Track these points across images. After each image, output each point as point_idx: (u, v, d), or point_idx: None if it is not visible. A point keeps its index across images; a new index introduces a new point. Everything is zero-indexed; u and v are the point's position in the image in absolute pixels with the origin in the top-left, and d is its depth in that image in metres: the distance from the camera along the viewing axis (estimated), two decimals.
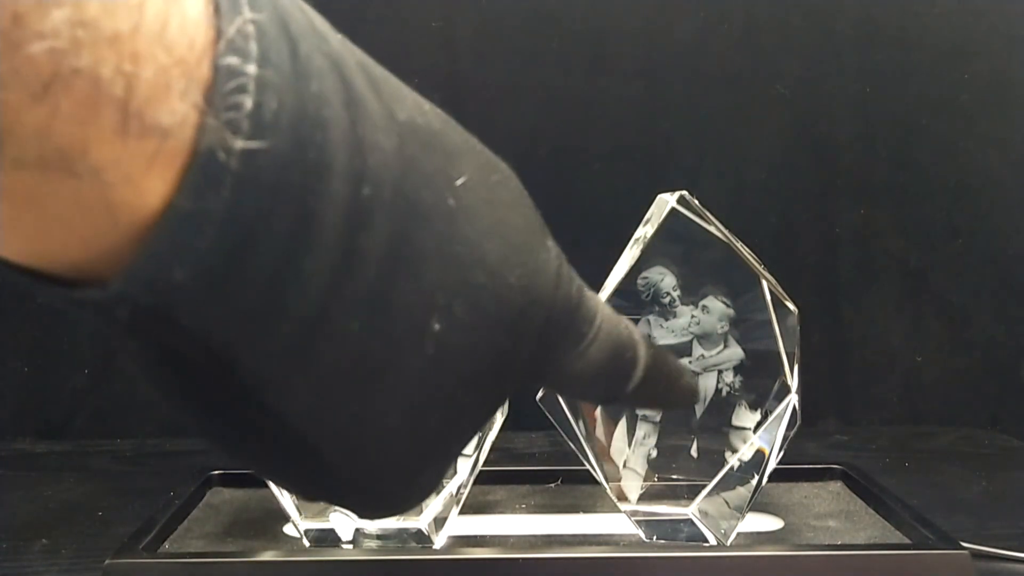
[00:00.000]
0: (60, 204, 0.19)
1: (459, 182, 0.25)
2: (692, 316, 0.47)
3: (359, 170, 0.22)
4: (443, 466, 0.29)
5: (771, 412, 0.47)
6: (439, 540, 0.48)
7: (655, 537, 0.49)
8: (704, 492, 0.48)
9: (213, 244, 0.20)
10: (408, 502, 0.29)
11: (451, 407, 0.26)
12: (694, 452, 0.48)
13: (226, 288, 0.21)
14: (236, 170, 0.20)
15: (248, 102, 0.20)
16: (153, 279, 0.20)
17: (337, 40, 0.23)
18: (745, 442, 0.47)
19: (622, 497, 0.49)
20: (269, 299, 0.21)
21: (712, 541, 0.48)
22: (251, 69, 0.20)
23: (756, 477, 0.47)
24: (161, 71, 0.19)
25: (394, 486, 0.27)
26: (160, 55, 0.19)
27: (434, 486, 0.29)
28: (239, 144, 0.20)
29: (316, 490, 0.28)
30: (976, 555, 0.48)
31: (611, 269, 0.48)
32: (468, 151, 0.26)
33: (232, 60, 0.20)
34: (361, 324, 0.23)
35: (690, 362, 0.47)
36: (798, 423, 0.48)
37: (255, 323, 0.21)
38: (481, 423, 0.29)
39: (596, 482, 0.50)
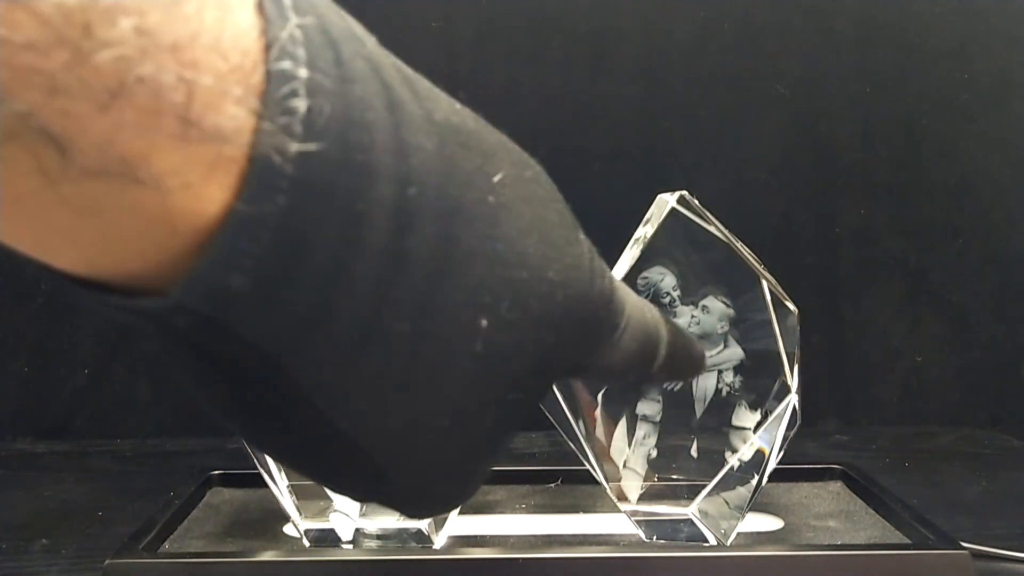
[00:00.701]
0: (121, 213, 0.19)
1: (496, 179, 0.25)
2: (692, 316, 0.47)
3: (404, 172, 0.22)
4: (490, 463, 0.29)
5: (771, 412, 0.47)
6: (439, 540, 0.48)
7: (655, 537, 0.49)
8: (704, 492, 0.48)
9: (269, 250, 0.20)
10: (457, 500, 0.29)
11: (500, 405, 0.26)
12: (694, 452, 0.48)
13: (279, 294, 0.21)
14: (291, 174, 0.20)
15: (302, 106, 0.20)
16: (212, 287, 0.20)
17: (373, 43, 0.23)
18: (745, 442, 0.47)
19: (622, 497, 0.49)
20: (321, 303, 0.21)
21: (712, 541, 0.48)
22: (303, 73, 0.20)
23: (756, 477, 0.47)
24: (219, 78, 0.19)
25: (445, 486, 0.27)
26: (217, 62, 0.19)
27: (480, 483, 0.29)
28: (294, 147, 0.20)
29: (369, 493, 0.28)
30: (976, 555, 0.48)
31: (611, 269, 0.48)
32: (502, 148, 0.26)
33: (285, 65, 0.20)
34: (411, 326, 0.23)
35: None
36: (798, 423, 0.48)
37: (307, 328, 0.21)
38: (524, 418, 0.29)
39: (596, 482, 0.50)
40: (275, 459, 0.27)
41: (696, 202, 0.47)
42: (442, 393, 0.24)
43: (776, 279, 0.47)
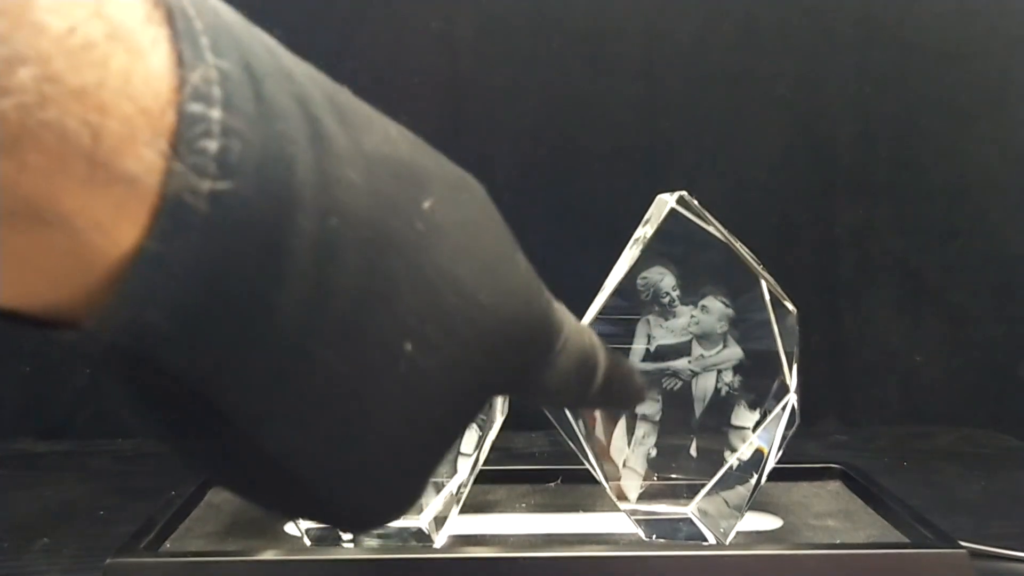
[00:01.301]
0: (32, 251, 0.20)
1: (426, 206, 0.25)
2: (691, 316, 0.47)
3: (325, 204, 0.22)
4: (424, 480, 0.29)
5: (770, 412, 0.47)
6: (439, 539, 0.48)
7: (654, 536, 0.49)
8: (703, 491, 0.48)
9: (186, 285, 0.20)
10: (391, 517, 0.30)
11: (429, 427, 0.27)
12: (693, 451, 0.48)
13: (200, 326, 0.21)
14: (204, 212, 0.20)
15: (213, 146, 0.20)
16: (127, 322, 0.20)
17: (304, 75, 0.24)
18: (744, 441, 0.47)
19: (622, 496, 0.49)
20: (243, 335, 0.22)
21: (711, 540, 0.48)
22: (215, 114, 0.20)
23: (755, 476, 0.47)
24: (126, 121, 0.20)
25: (377, 504, 0.28)
26: (125, 106, 0.20)
27: (417, 499, 0.30)
28: (206, 186, 0.20)
29: (302, 512, 0.29)
30: (975, 554, 0.48)
31: (611, 269, 0.48)
32: (436, 173, 0.26)
33: (195, 107, 0.20)
34: (336, 354, 0.23)
35: (689, 362, 0.47)
36: (797, 423, 0.48)
37: (231, 359, 0.22)
38: (457, 437, 0.29)
39: (596, 481, 0.50)
40: (211, 480, 0.27)
41: (695, 202, 0.47)
42: (368, 415, 0.25)
43: (775, 279, 0.48)
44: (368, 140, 0.24)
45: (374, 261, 0.24)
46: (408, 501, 0.29)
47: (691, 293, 0.47)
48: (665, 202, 0.47)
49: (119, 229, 0.20)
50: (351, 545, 0.48)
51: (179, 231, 0.20)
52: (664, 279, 0.47)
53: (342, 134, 0.23)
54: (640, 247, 0.47)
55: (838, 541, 0.50)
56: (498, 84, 0.78)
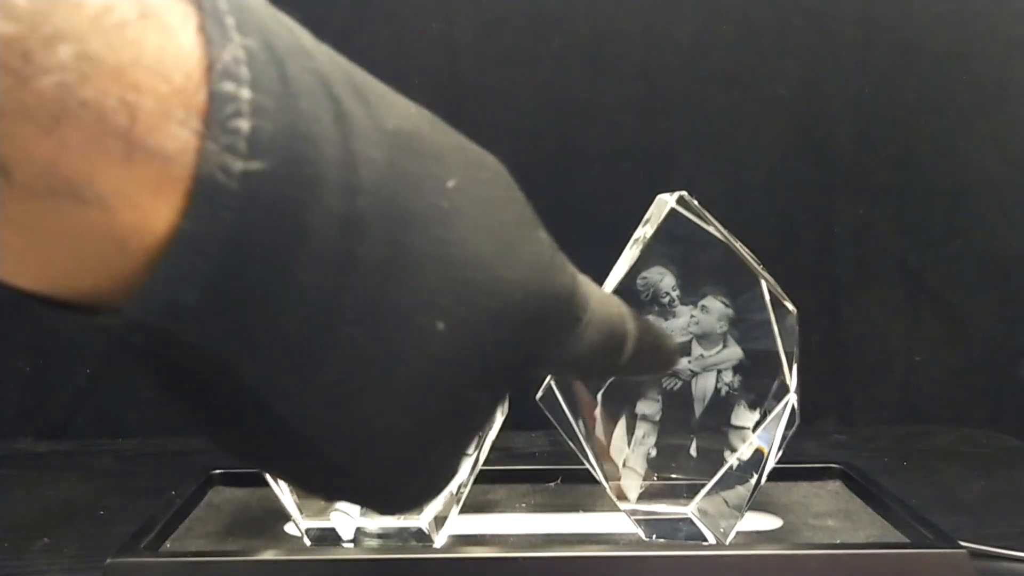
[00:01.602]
0: (70, 232, 0.20)
1: (450, 184, 0.25)
2: (691, 316, 0.47)
3: (352, 182, 0.23)
4: (454, 462, 0.30)
5: (770, 411, 0.47)
6: (439, 539, 0.48)
7: (654, 536, 0.49)
8: (703, 491, 0.48)
9: (218, 264, 0.21)
10: (423, 498, 0.30)
11: (458, 404, 0.27)
12: (693, 451, 0.48)
13: (231, 305, 0.21)
14: (237, 191, 0.20)
15: (245, 126, 0.20)
16: (162, 301, 0.21)
17: (323, 54, 0.24)
18: (744, 441, 0.47)
19: (622, 496, 0.49)
20: (272, 313, 0.22)
21: (711, 540, 0.48)
22: (245, 93, 0.21)
23: (755, 476, 0.47)
24: (161, 100, 0.20)
25: (407, 485, 0.28)
26: (160, 85, 0.20)
27: (447, 481, 0.30)
28: (239, 166, 0.20)
29: (331, 491, 0.29)
30: (975, 554, 0.48)
31: (611, 269, 0.48)
32: (457, 152, 0.27)
33: (227, 86, 0.20)
34: (363, 331, 0.23)
35: (689, 362, 0.48)
36: (797, 422, 0.48)
37: (260, 337, 0.22)
38: (489, 415, 0.30)
39: (596, 481, 0.50)
40: (239, 461, 0.27)
41: (695, 202, 0.47)
42: (398, 394, 0.25)
43: (775, 279, 0.48)
44: (388, 119, 0.25)
45: (398, 238, 0.24)
46: (440, 483, 0.30)
47: (691, 293, 0.47)
48: (665, 202, 0.47)
49: (154, 208, 0.20)
50: (351, 545, 0.48)
51: (213, 211, 0.20)
52: (664, 279, 0.47)
53: (363, 113, 0.24)
54: (640, 247, 0.47)
55: (838, 541, 0.50)
56: (498, 84, 0.78)
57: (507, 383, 0.29)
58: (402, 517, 0.48)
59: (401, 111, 0.25)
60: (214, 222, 0.20)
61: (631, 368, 0.33)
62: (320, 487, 0.29)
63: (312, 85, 0.22)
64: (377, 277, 0.23)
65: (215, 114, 0.20)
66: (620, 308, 0.32)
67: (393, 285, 0.24)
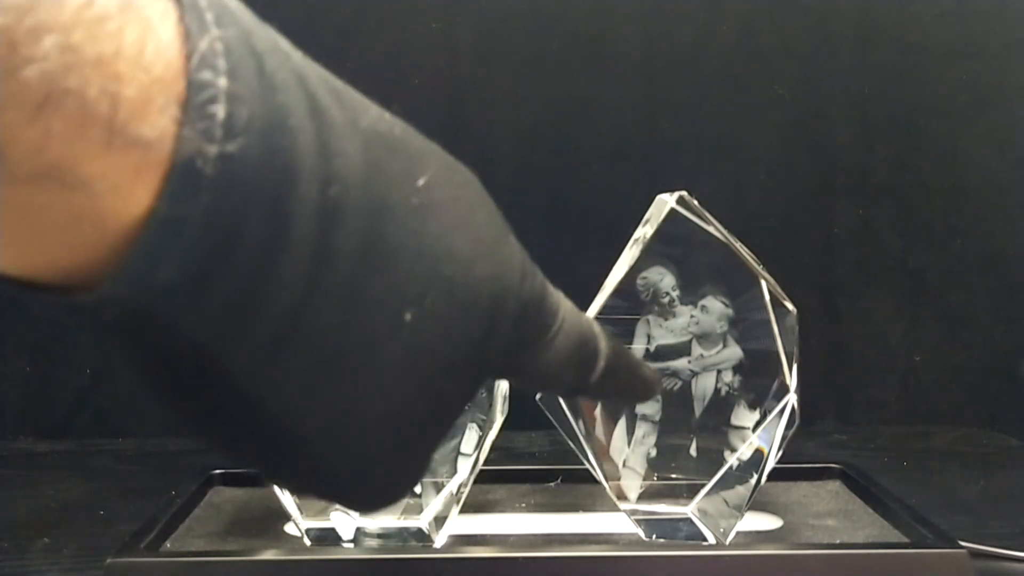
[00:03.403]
0: (52, 215, 0.21)
1: (421, 182, 0.26)
2: (691, 316, 0.47)
3: (326, 172, 0.23)
4: (427, 454, 0.30)
5: (770, 411, 0.47)
6: (439, 539, 0.48)
7: (654, 536, 0.49)
8: (703, 491, 0.48)
9: (193, 246, 0.21)
10: (396, 492, 0.30)
11: (430, 395, 0.27)
12: (693, 451, 0.48)
13: (208, 288, 0.22)
14: (212, 175, 0.21)
15: (220, 111, 0.21)
16: (138, 281, 0.21)
17: (299, 56, 0.25)
18: (744, 441, 0.47)
19: (622, 496, 0.49)
20: (249, 297, 0.23)
21: (711, 540, 0.48)
22: (222, 82, 0.21)
23: (755, 476, 0.47)
24: (141, 89, 0.20)
25: (380, 475, 0.28)
26: (140, 75, 0.20)
27: (420, 475, 0.31)
28: (213, 150, 0.21)
29: (307, 484, 0.30)
30: (974, 554, 0.48)
31: (611, 269, 0.48)
32: (430, 154, 0.27)
33: (204, 75, 0.21)
34: (338, 318, 0.24)
35: (689, 362, 0.48)
36: (797, 422, 0.48)
37: (237, 321, 0.23)
38: (459, 411, 0.30)
39: (596, 481, 0.50)
40: (218, 452, 0.28)
41: (695, 202, 0.47)
42: (371, 381, 0.26)
43: (775, 279, 0.48)
44: (362, 118, 0.25)
45: (374, 230, 0.24)
46: (413, 476, 0.30)
47: (691, 293, 0.47)
48: (665, 202, 0.47)
49: (134, 192, 0.21)
50: (351, 545, 0.48)
51: (189, 192, 0.21)
52: (664, 279, 0.47)
53: (338, 110, 0.24)
54: (640, 247, 0.47)
55: (838, 541, 0.50)
56: (498, 85, 0.78)
57: (478, 379, 0.29)
58: (402, 517, 0.48)
59: (374, 113, 0.26)
60: (189, 203, 0.21)
61: (603, 389, 0.34)
62: (296, 481, 0.30)
63: (288, 81, 0.23)
64: (353, 266, 0.24)
65: (192, 101, 0.21)
66: (592, 325, 0.33)
67: (369, 275, 0.24)
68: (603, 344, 0.33)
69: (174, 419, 0.27)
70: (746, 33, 0.79)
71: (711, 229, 0.47)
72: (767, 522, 0.53)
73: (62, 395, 0.78)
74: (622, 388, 0.35)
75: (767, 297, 0.47)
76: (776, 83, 0.79)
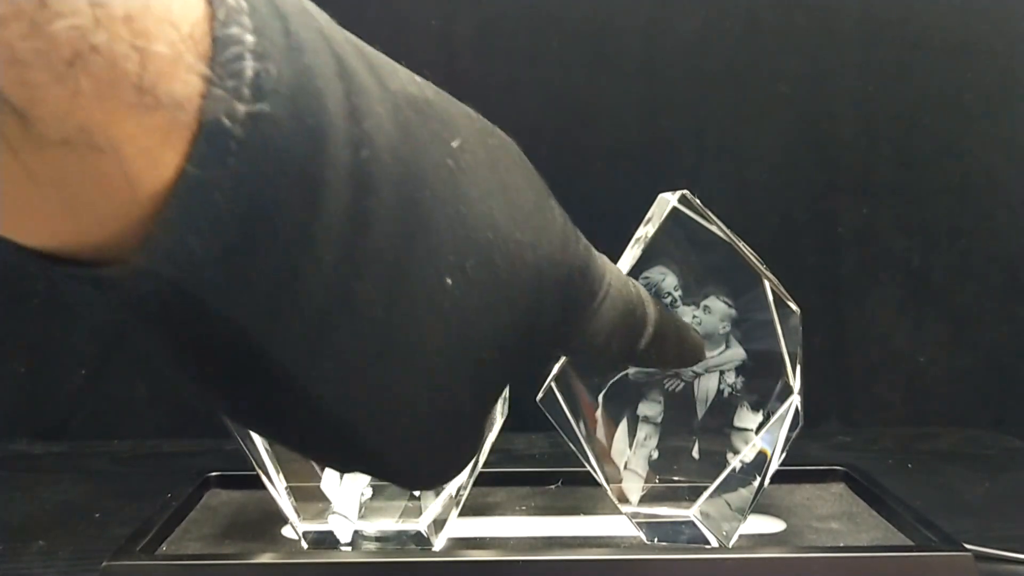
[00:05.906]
0: (82, 181, 0.20)
1: (455, 144, 0.25)
2: (693, 316, 0.47)
3: (356, 135, 0.22)
4: (476, 432, 0.29)
5: (773, 413, 0.47)
6: (438, 542, 0.48)
7: (656, 539, 0.49)
8: (706, 494, 0.47)
9: (225, 210, 0.20)
10: (447, 471, 0.29)
11: (476, 369, 0.26)
12: (695, 453, 0.48)
13: (240, 256, 0.21)
14: (241, 136, 0.20)
15: (249, 69, 0.20)
16: (171, 250, 0.20)
17: (326, 19, 0.24)
18: (747, 443, 0.47)
19: (623, 499, 0.49)
20: (282, 266, 0.21)
21: (714, 543, 0.48)
22: (249, 39, 0.21)
23: (758, 479, 0.47)
24: (170, 46, 0.20)
25: (430, 454, 0.27)
26: (168, 31, 0.20)
27: (471, 454, 0.29)
28: (243, 110, 0.20)
29: (354, 463, 0.28)
30: (979, 557, 0.48)
31: None
32: (463, 117, 0.26)
33: (232, 30, 0.20)
34: (376, 288, 0.23)
35: None
36: (800, 424, 0.47)
37: (273, 294, 0.22)
38: (504, 383, 0.29)
39: (597, 484, 0.49)
40: (257, 432, 0.27)
41: (697, 201, 0.47)
42: (415, 356, 0.24)
43: (778, 279, 0.47)
44: (393, 81, 0.24)
45: (409, 195, 0.23)
46: (460, 456, 0.29)
47: (693, 293, 0.47)
48: (667, 201, 0.47)
49: (163, 155, 0.20)
50: (349, 549, 0.48)
51: (217, 155, 0.20)
52: (666, 279, 0.47)
53: (366, 72, 0.23)
54: (641, 247, 0.47)
55: (842, 544, 0.50)
56: (498, 82, 0.78)
57: (527, 352, 0.28)
58: (400, 520, 0.48)
59: (404, 76, 0.25)
60: (219, 167, 0.20)
61: (651, 357, 0.32)
62: (336, 457, 0.28)
63: (315, 42, 0.22)
64: (389, 234, 0.23)
65: (219, 58, 0.20)
66: (639, 290, 0.32)
67: (406, 243, 0.23)
68: (651, 309, 0.32)
69: (210, 405, 0.25)
70: (749, 30, 0.78)
71: (714, 228, 0.46)
72: (770, 525, 0.53)
73: (58, 396, 0.78)
74: (671, 355, 0.34)
75: (770, 297, 0.46)
76: (779, 81, 0.78)
